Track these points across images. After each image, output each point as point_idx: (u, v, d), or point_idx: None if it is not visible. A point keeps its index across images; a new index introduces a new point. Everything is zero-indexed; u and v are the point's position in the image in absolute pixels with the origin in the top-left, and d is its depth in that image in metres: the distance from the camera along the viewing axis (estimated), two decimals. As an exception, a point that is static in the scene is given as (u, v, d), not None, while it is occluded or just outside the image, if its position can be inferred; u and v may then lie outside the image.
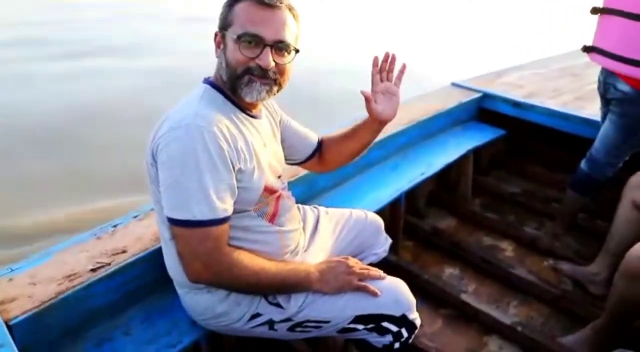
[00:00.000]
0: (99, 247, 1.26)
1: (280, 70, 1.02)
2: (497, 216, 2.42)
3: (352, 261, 1.16)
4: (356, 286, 1.11)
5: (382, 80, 1.20)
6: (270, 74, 1.00)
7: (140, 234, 1.32)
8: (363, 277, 1.13)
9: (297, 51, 1.04)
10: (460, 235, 2.28)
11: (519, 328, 1.68)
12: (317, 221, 1.36)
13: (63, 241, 1.29)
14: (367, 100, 1.19)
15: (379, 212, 1.68)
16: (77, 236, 1.31)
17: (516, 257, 2.14)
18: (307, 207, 1.40)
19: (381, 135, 2.00)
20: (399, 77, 1.22)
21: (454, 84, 2.78)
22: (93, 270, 1.17)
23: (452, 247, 2.15)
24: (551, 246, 2.16)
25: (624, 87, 1.81)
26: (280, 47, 1.00)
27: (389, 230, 1.54)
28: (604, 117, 2.01)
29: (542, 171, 2.74)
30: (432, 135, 2.39)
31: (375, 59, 1.20)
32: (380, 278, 1.14)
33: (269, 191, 1.11)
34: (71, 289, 1.12)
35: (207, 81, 1.08)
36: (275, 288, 1.08)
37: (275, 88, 1.04)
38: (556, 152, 2.68)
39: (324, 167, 1.43)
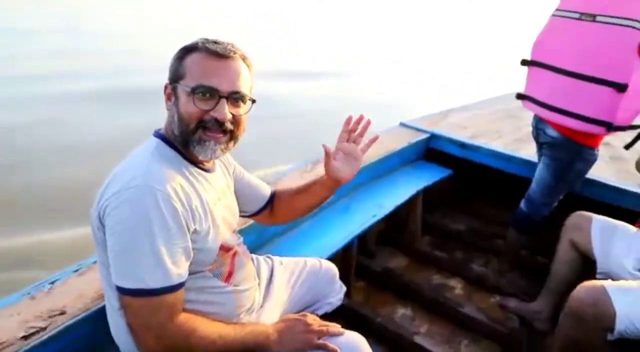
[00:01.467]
0: (33, 309, 1.15)
1: (237, 121, 1.00)
2: (445, 254, 2.47)
3: (310, 318, 1.14)
4: (316, 345, 1.08)
5: (348, 140, 1.20)
6: (227, 125, 0.98)
7: (81, 290, 1.22)
8: (322, 335, 1.10)
9: (253, 101, 1.03)
10: (411, 274, 2.31)
11: None
12: (272, 273, 1.33)
13: None
14: (327, 155, 1.17)
15: (332, 257, 1.67)
16: (6, 297, 1.18)
17: (465, 295, 2.19)
18: (260, 257, 1.37)
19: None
20: (368, 144, 1.22)
21: (402, 124, 2.86)
22: (25, 337, 1.06)
23: (403, 287, 2.17)
24: (497, 283, 2.23)
25: (552, 132, 1.95)
26: (235, 98, 0.98)
27: (341, 273, 1.53)
28: (539, 159, 2.14)
29: (487, 209, 2.85)
30: (382, 175, 2.43)
31: (349, 119, 1.20)
32: (338, 334, 1.12)
33: (225, 249, 1.07)
34: None
35: (157, 134, 1.04)
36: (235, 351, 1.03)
37: (230, 143, 1.02)
38: (500, 191, 2.80)
39: (275, 220, 1.39)
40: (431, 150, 2.74)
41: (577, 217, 1.84)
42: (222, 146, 1.00)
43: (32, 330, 1.08)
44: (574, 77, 1.79)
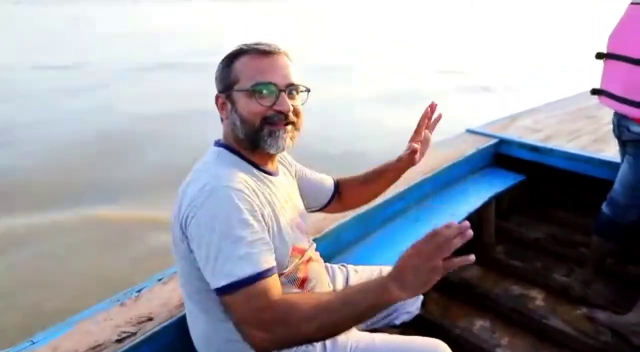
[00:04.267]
0: (123, 315, 1.22)
1: (296, 112, 1.03)
2: (522, 263, 2.35)
3: (427, 250, 0.85)
4: (445, 269, 0.85)
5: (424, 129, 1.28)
6: (291, 116, 1.01)
7: (166, 298, 1.29)
8: (449, 267, 0.85)
9: (308, 90, 1.06)
10: (488, 284, 2.21)
11: None
12: (347, 281, 1.32)
13: (85, 309, 1.25)
14: (414, 152, 1.25)
15: None
16: (99, 303, 1.27)
17: (548, 307, 2.06)
18: (335, 266, 1.37)
19: (402, 187, 2.01)
20: (434, 126, 1.31)
21: (468, 131, 2.79)
22: (119, 341, 1.13)
23: (480, 297, 2.08)
24: (583, 294, 2.08)
25: (637, 128, 1.81)
26: (292, 89, 1.02)
27: None
28: (622, 159, 1.99)
29: (564, 215, 2.69)
30: (451, 183, 2.37)
31: (433, 106, 1.28)
32: (469, 261, 0.86)
33: (298, 251, 1.08)
34: None
35: (218, 144, 1.07)
36: (349, 318, 0.88)
37: (296, 133, 1.05)
38: (578, 196, 2.63)
39: (345, 208, 1.43)
40: (500, 155, 2.64)
41: None
42: (290, 135, 1.02)
43: (124, 335, 1.15)
44: None
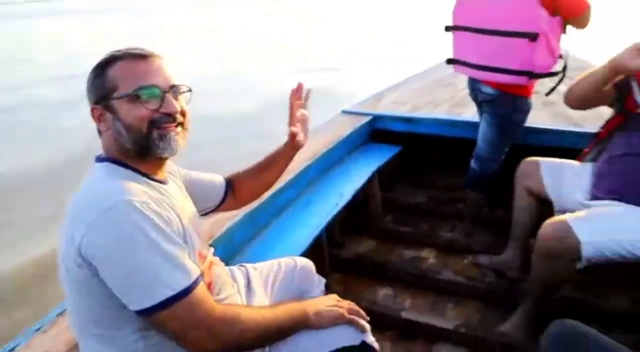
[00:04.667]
0: None
1: (183, 113, 1.00)
2: (411, 228, 2.51)
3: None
4: (348, 319, 1.08)
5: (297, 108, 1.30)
6: (178, 117, 0.98)
7: (48, 348, 1.13)
8: (351, 311, 1.10)
9: (190, 90, 1.04)
10: (382, 254, 2.33)
11: (462, 330, 1.74)
12: (248, 279, 1.29)
13: None
14: (294, 135, 1.28)
15: (304, 253, 1.65)
16: None
17: (439, 263, 2.23)
18: (233, 268, 1.33)
19: (289, 175, 2.03)
20: (306, 103, 1.34)
21: (344, 112, 2.89)
22: None
23: (378, 268, 2.18)
24: (467, 244, 2.30)
25: (488, 90, 2.04)
26: (175, 91, 0.99)
27: (316, 267, 1.52)
28: (481, 118, 2.22)
29: (441, 177, 2.92)
30: (334, 165, 2.44)
31: (299, 87, 1.31)
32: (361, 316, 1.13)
33: (202, 256, 1.04)
34: None
35: (100, 159, 0.99)
36: (276, 334, 1.00)
37: (185, 134, 1.01)
38: (451, 157, 2.88)
39: (241, 203, 1.41)
40: (376, 131, 2.78)
41: (526, 165, 1.92)
42: (181, 136, 0.99)
43: None
44: (493, 34, 1.90)
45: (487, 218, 2.46)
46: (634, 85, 1.56)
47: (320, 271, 1.54)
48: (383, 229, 2.50)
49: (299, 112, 1.31)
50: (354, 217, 2.52)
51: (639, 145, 1.55)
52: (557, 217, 1.52)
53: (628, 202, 1.51)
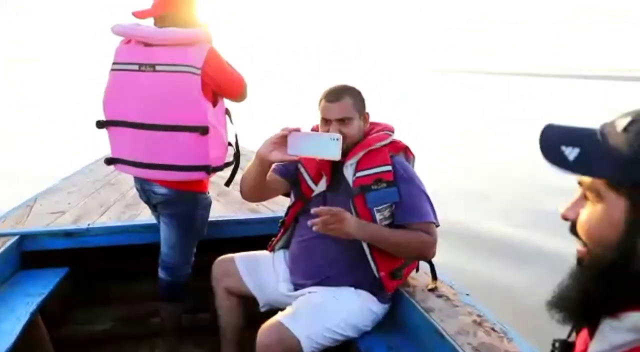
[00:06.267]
0: None
1: None
2: None
3: None
4: None
5: None
6: None
7: None
8: None
9: None
10: None
11: None
12: None
13: None
14: None
15: None
16: None
17: None
18: None
19: None
20: None
21: None
22: None
23: None
24: None
25: (162, 190, 1.85)
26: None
27: None
28: (159, 220, 1.98)
29: (125, 293, 2.49)
30: None
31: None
32: None
33: None
34: None
35: None
36: None
37: None
38: (132, 267, 2.48)
39: None
40: (29, 254, 2.15)
41: (221, 264, 1.80)
42: None
43: None
44: (154, 129, 1.72)
45: (190, 325, 2.19)
46: (304, 172, 1.66)
47: None
48: None
49: None
50: None
51: None
52: (270, 321, 1.46)
53: (327, 284, 1.56)
